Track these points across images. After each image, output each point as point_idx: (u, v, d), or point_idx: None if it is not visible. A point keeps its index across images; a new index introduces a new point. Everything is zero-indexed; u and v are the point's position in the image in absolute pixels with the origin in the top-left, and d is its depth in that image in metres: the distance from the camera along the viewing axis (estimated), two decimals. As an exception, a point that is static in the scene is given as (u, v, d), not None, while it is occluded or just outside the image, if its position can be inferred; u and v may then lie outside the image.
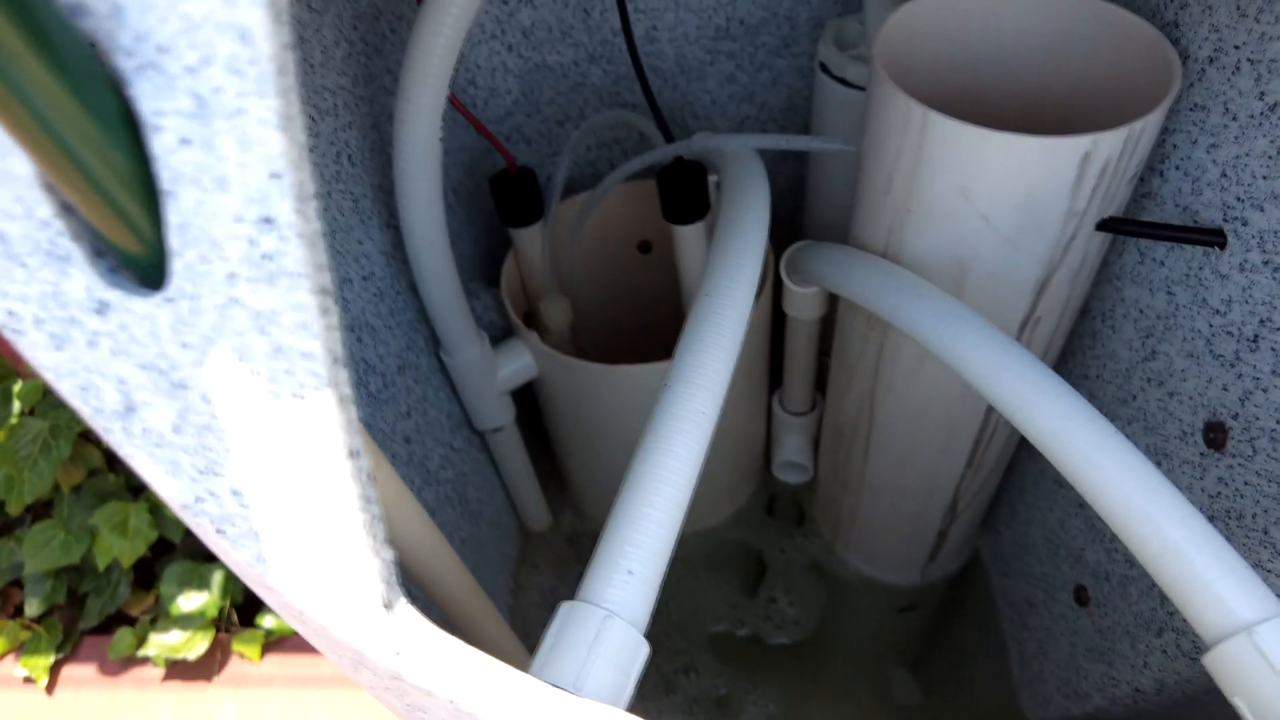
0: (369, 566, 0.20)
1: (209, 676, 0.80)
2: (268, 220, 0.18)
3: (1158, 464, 0.48)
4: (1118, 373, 0.52)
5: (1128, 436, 0.51)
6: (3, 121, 0.17)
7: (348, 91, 0.51)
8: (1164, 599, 0.49)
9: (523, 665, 0.23)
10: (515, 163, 0.62)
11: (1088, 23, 0.45)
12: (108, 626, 0.82)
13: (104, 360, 0.20)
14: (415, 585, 0.36)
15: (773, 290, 0.65)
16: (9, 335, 0.20)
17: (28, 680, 0.81)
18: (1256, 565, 0.40)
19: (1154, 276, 0.47)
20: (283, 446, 0.19)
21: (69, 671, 0.82)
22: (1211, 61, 0.40)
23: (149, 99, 0.17)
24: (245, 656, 0.79)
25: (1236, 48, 0.38)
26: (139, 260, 0.19)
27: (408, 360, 0.57)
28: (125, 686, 0.80)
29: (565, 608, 0.29)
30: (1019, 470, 0.68)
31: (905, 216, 0.45)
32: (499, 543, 0.73)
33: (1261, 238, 0.38)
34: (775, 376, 0.73)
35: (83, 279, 0.19)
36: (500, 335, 0.68)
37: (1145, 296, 0.48)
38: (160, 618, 0.81)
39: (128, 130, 0.18)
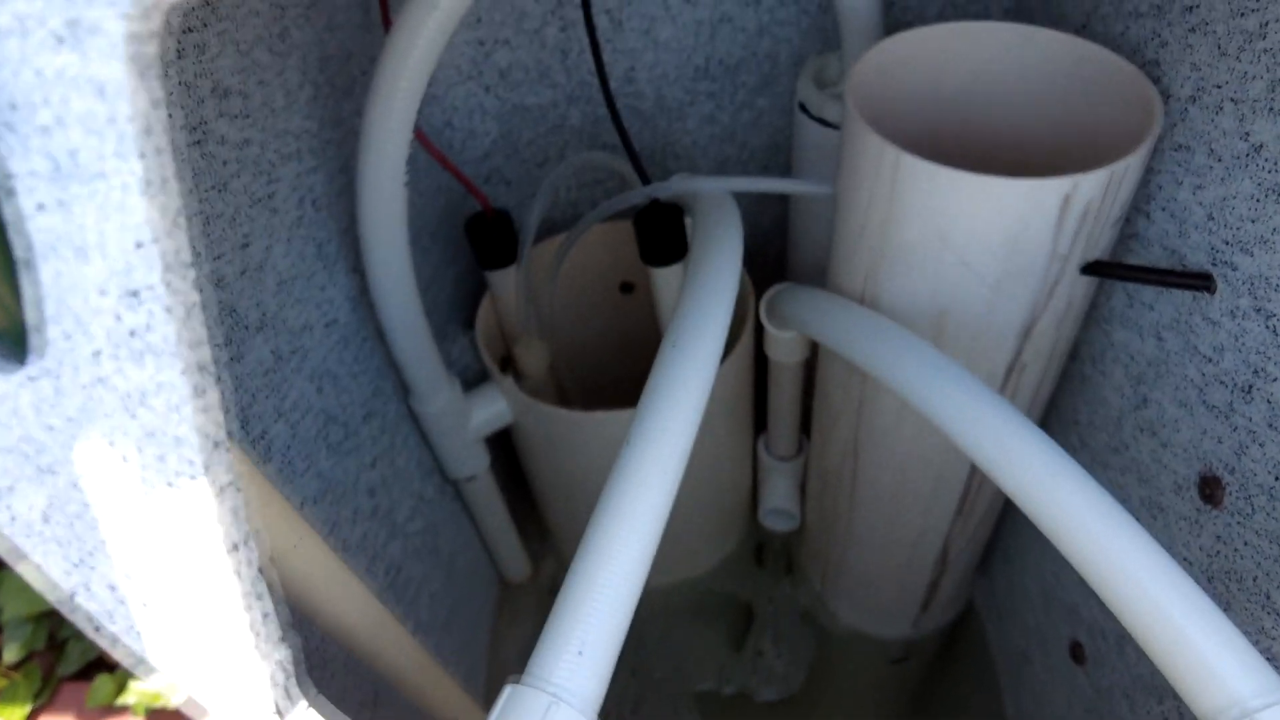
0: (258, 671, 0.18)
1: (184, 729, 0.77)
2: (133, 293, 0.16)
3: (1152, 518, 0.46)
4: (1109, 419, 0.50)
5: (1120, 488, 0.49)
6: None
7: (313, 135, 0.50)
8: (1163, 659, 0.46)
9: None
10: (491, 205, 0.60)
11: (1068, 61, 0.44)
12: (88, 673, 0.80)
13: (-35, 442, 0.18)
14: (357, 659, 0.34)
15: (754, 332, 0.64)
16: None
17: (4, 730, 0.78)
18: (1258, 632, 0.38)
19: (1143, 320, 0.45)
20: (160, 539, 0.18)
21: (46, 720, 0.79)
22: (1194, 101, 0.39)
23: (1, 161, 0.16)
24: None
25: (1218, 87, 0.37)
26: (1, 334, 0.17)
27: (374, 408, 0.55)
28: (101, 737, 0.78)
29: (509, 691, 0.27)
30: (1011, 515, 0.66)
31: (881, 261, 0.43)
32: (474, 596, 0.71)
33: (1251, 283, 0.36)
34: (761, 419, 0.71)
35: (-58, 354, 0.18)
36: (476, 379, 0.67)
37: (1135, 341, 0.46)
38: (141, 664, 0.78)
39: (-20, 194, 0.16)
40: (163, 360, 0.16)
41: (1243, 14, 0.35)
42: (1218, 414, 0.40)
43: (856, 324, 0.43)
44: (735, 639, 0.76)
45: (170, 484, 0.17)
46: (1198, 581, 0.31)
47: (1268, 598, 0.37)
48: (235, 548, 0.18)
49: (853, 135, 0.41)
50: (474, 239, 0.61)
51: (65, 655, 0.80)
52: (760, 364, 0.65)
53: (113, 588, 0.19)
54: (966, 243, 0.40)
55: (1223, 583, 0.40)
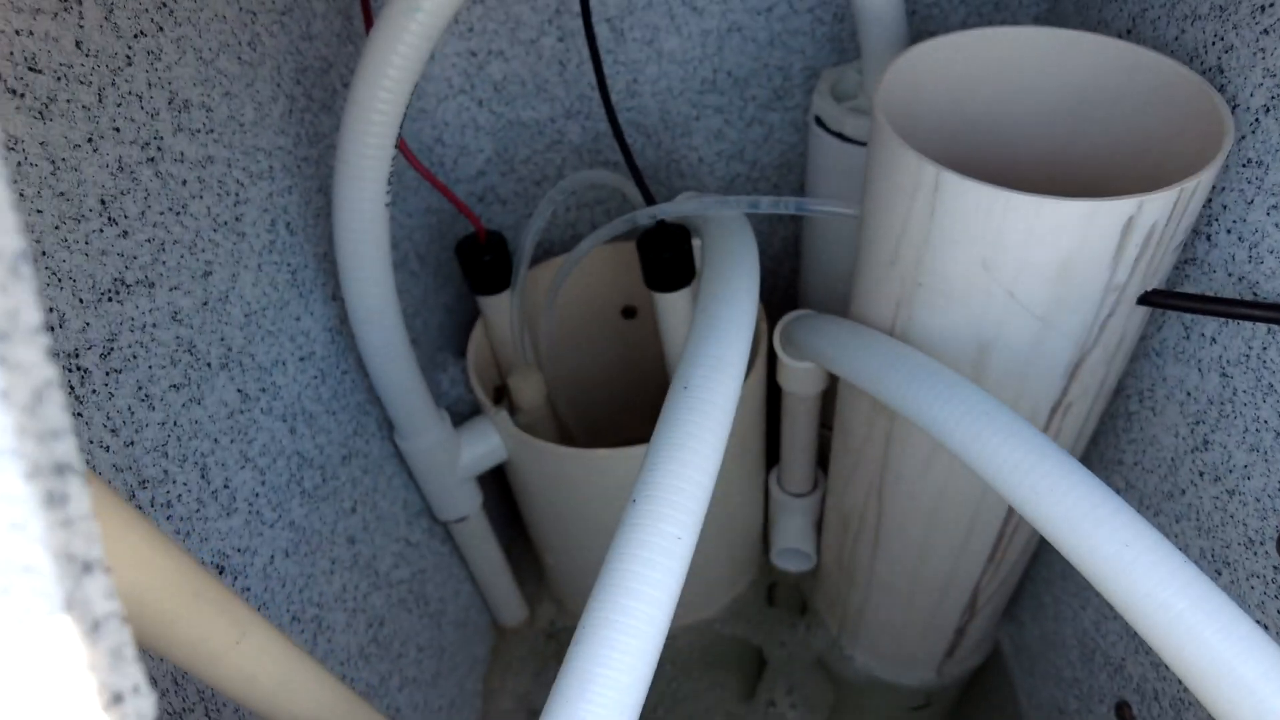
0: None
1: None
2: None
3: (1217, 573, 0.41)
4: (1161, 461, 0.45)
5: (1175, 536, 0.45)
6: None
7: (287, 152, 0.46)
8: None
9: None
10: (484, 226, 0.56)
11: (1118, 70, 0.40)
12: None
13: None
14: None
15: (767, 360, 0.59)
16: None
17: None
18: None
19: (1203, 355, 0.41)
20: (16, 691, 0.13)
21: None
22: (1268, 111, 0.35)
23: None
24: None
25: (1300, 96, 0.33)
26: None
27: (355, 448, 0.51)
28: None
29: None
30: (1045, 559, 0.61)
31: (915, 290, 0.39)
32: (466, 645, 0.66)
33: (1341, 317, 0.32)
34: (773, 451, 0.66)
35: None
36: (468, 413, 0.62)
37: (1193, 377, 0.42)
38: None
39: None
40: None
41: (1331, 13, 0.31)
42: (1298, 462, 0.35)
43: (887, 358, 0.39)
44: (746, 687, 0.71)
45: (20, 621, 0.13)
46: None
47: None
48: (118, 699, 0.13)
49: (884, 151, 0.37)
50: (465, 262, 0.56)
51: None
52: (773, 394, 0.60)
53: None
54: (1014, 271, 0.35)
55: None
